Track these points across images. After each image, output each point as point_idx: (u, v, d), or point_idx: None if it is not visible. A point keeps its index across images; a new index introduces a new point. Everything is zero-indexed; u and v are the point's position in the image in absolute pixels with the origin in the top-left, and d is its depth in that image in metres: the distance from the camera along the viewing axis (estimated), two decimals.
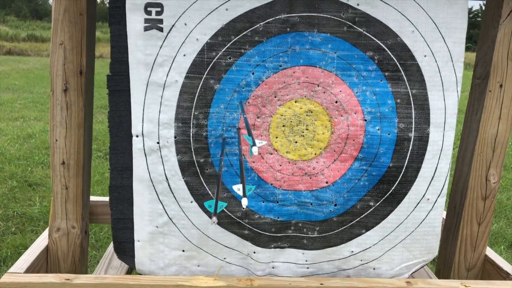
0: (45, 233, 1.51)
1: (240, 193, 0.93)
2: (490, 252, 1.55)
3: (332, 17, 1.24)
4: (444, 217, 1.62)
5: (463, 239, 1.53)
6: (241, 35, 1.24)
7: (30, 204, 3.55)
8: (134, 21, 1.22)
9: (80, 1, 1.32)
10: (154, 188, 1.31)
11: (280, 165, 1.33)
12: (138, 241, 1.36)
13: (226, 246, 1.37)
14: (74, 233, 1.47)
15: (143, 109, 1.27)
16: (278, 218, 1.36)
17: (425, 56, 1.27)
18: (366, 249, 1.39)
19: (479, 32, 1.48)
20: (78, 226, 1.46)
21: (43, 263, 1.46)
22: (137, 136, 1.29)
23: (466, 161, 1.50)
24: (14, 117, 6.54)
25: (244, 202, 0.91)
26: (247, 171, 1.32)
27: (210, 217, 1.32)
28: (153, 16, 1.22)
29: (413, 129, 1.31)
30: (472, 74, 1.50)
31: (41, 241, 1.49)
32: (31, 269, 1.37)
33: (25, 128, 5.87)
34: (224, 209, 1.33)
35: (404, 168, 1.33)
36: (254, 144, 0.97)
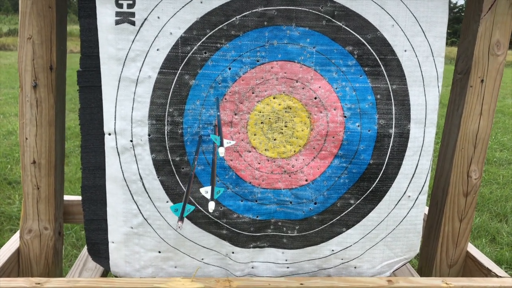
0: (17, 235, 1.46)
1: (208, 196, 0.89)
2: (471, 248, 1.54)
3: (311, 10, 1.21)
4: (426, 214, 1.60)
5: (444, 235, 1.52)
6: (216, 29, 1.20)
7: (9, 202, 3.47)
8: (105, 14, 1.17)
9: None
10: (128, 188, 1.27)
11: (259, 163, 1.29)
12: (113, 242, 1.32)
13: (203, 247, 1.33)
14: (47, 235, 1.42)
15: (115, 106, 1.23)
16: (257, 217, 1.32)
17: (405, 50, 1.24)
18: (346, 248, 1.36)
19: None
20: (51, 227, 1.41)
21: (14, 266, 1.41)
22: (109, 134, 1.24)
23: (448, 157, 1.48)
24: None
25: (211, 206, 0.87)
26: (225, 170, 1.28)
27: (187, 217, 1.28)
28: (125, 9, 1.17)
29: (393, 125, 1.28)
30: (454, 69, 1.48)
31: (12, 244, 1.43)
32: (0, 273, 1.32)
33: (5, 124, 5.74)
34: (202, 209, 1.29)
35: (384, 165, 1.30)
36: (221, 145, 0.93)
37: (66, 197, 1.67)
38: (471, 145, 1.44)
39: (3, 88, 8.54)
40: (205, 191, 0.90)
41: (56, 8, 1.28)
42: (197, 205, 1.29)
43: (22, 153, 1.36)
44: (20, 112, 1.33)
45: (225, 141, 0.99)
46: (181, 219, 0.82)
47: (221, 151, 0.90)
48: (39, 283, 1.21)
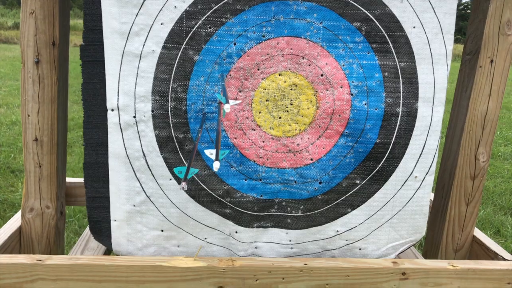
0: (18, 214, 1.45)
1: (213, 157, 0.87)
2: (478, 233, 1.52)
3: None
4: (432, 197, 1.58)
5: (451, 219, 1.50)
6: (221, 3, 1.18)
7: (12, 190, 3.47)
8: None
9: None
10: (131, 165, 1.25)
11: (263, 142, 1.27)
12: (115, 220, 1.30)
13: (207, 226, 1.32)
14: (49, 214, 1.40)
15: (118, 81, 1.21)
16: (261, 196, 1.30)
17: (414, 27, 1.22)
18: (351, 229, 1.34)
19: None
20: (52, 206, 1.40)
21: (15, 245, 1.40)
22: (112, 110, 1.22)
23: (455, 139, 1.46)
24: None
25: (216, 165, 0.85)
26: (229, 148, 1.26)
27: (190, 195, 1.26)
28: None
29: (401, 104, 1.26)
30: (463, 50, 1.45)
31: (14, 222, 1.42)
32: (1, 251, 1.31)
33: (9, 115, 5.74)
34: (205, 187, 1.28)
35: (391, 144, 1.28)
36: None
37: (69, 179, 1.66)
38: (479, 127, 1.42)
39: (7, 80, 8.54)
40: (210, 153, 0.88)
41: None
42: (201, 183, 1.27)
43: (24, 130, 1.34)
44: (22, 89, 1.31)
45: (231, 101, 0.97)
46: (185, 180, 0.80)
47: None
48: (40, 260, 1.19)
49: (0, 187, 3.50)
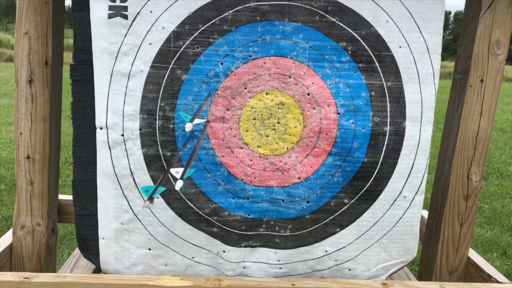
0: (10, 231, 1.46)
1: (178, 176, 0.87)
2: (473, 254, 1.49)
3: (304, 6, 1.20)
4: (426, 217, 1.56)
5: (444, 240, 1.47)
6: (209, 23, 1.20)
7: None
8: (98, 8, 1.18)
9: None
10: (119, 183, 1.26)
11: (251, 160, 1.28)
12: (103, 238, 1.31)
13: (194, 245, 1.31)
14: (40, 231, 1.41)
15: (107, 100, 1.23)
16: (248, 215, 1.30)
17: (400, 47, 1.23)
18: (340, 249, 1.33)
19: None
20: (44, 223, 1.41)
21: (6, 262, 1.40)
22: (101, 128, 1.24)
23: (447, 158, 1.45)
24: (9, 122, 6.50)
25: (179, 184, 0.85)
26: (216, 166, 1.27)
27: (177, 214, 1.26)
28: (118, 3, 1.18)
29: (388, 123, 1.26)
30: (454, 69, 1.45)
31: (5, 239, 1.43)
32: None
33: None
34: (192, 206, 1.28)
35: (379, 163, 1.27)
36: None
37: (63, 196, 1.67)
38: (471, 147, 1.40)
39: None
40: (176, 172, 0.89)
41: (53, 4, 1.29)
42: (188, 201, 1.27)
43: (17, 147, 1.36)
44: (15, 107, 1.34)
45: (195, 120, 0.98)
46: (149, 199, 0.80)
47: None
48: (27, 278, 1.20)
49: (5, 204, 3.53)
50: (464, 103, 1.37)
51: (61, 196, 1.63)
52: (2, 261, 1.38)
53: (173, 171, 0.88)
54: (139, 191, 1.26)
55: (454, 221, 1.46)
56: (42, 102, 1.34)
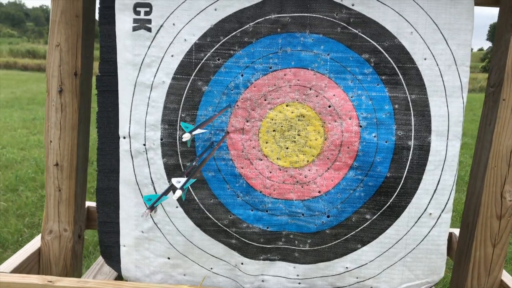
0: (39, 236, 1.51)
1: (179, 185, 0.87)
2: (506, 277, 1.40)
3: (325, 17, 1.19)
4: (458, 237, 1.49)
5: (476, 261, 1.40)
6: (230, 35, 1.21)
7: None
8: (123, 21, 1.22)
9: (77, 3, 1.33)
10: (140, 192, 1.28)
11: (270, 172, 1.26)
12: (124, 246, 1.33)
13: (212, 256, 1.31)
14: (66, 236, 1.45)
15: (131, 110, 1.25)
16: (267, 228, 1.29)
17: (425, 59, 1.19)
18: (362, 266, 1.29)
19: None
20: (70, 229, 1.45)
21: (34, 265, 1.45)
22: (124, 138, 1.27)
23: (479, 176, 1.38)
24: None
25: (178, 193, 0.85)
26: (235, 177, 1.27)
27: (196, 224, 1.27)
28: (142, 16, 1.21)
29: (412, 137, 1.21)
30: (487, 82, 1.39)
31: (34, 243, 1.48)
32: (19, 270, 1.36)
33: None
34: (211, 216, 1.28)
35: (403, 179, 1.23)
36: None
37: (91, 203, 1.72)
38: (504, 164, 1.33)
39: None
40: (177, 181, 0.89)
41: (83, 17, 1.34)
42: (207, 212, 1.27)
43: (47, 155, 1.42)
44: (46, 116, 1.39)
45: (195, 131, 0.97)
46: (150, 207, 0.81)
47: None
48: (51, 281, 1.23)
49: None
50: (497, 118, 1.31)
51: (91, 203, 1.68)
52: (30, 264, 1.43)
53: (174, 180, 0.88)
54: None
55: (486, 241, 1.38)
56: (71, 112, 1.38)
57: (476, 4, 1.23)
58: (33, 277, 1.25)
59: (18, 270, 1.36)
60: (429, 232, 1.26)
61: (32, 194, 3.95)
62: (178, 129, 1.25)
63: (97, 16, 1.31)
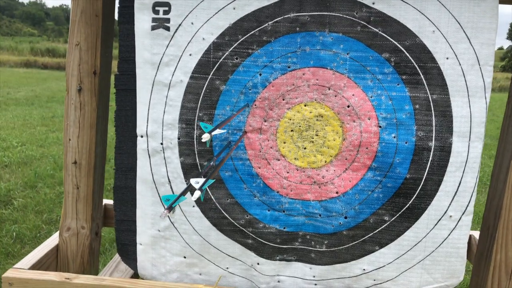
0: (57, 233, 1.52)
1: (197, 186, 0.87)
2: None
3: (345, 16, 1.17)
4: (477, 239, 1.46)
5: (496, 265, 1.37)
6: (248, 34, 1.20)
7: None
8: (142, 20, 1.22)
9: (96, 2, 1.34)
10: (157, 190, 1.29)
11: (288, 172, 1.26)
12: (140, 244, 1.34)
13: (228, 255, 1.31)
14: (84, 234, 1.47)
15: (148, 109, 1.26)
16: (284, 228, 1.28)
17: (447, 58, 1.16)
18: (379, 268, 1.27)
19: None
20: (87, 226, 1.46)
21: (52, 262, 1.47)
22: (141, 137, 1.27)
23: (501, 177, 1.35)
24: None
25: (197, 194, 0.84)
26: (252, 177, 1.26)
27: (212, 223, 1.27)
28: (161, 15, 1.21)
29: (433, 138, 1.19)
30: (510, 81, 1.36)
31: (53, 240, 1.50)
32: (37, 266, 1.37)
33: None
34: (227, 216, 1.28)
35: (423, 180, 1.21)
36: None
37: (108, 201, 1.73)
38: None
39: None
40: (196, 182, 0.88)
41: (103, 17, 1.35)
42: (223, 211, 1.27)
43: (65, 153, 1.43)
44: (65, 115, 1.41)
45: (215, 131, 0.97)
46: (169, 208, 0.80)
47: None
48: (68, 278, 1.24)
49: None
50: None
51: (108, 201, 1.70)
52: (48, 261, 1.44)
53: (193, 181, 0.88)
54: None
55: (507, 244, 1.35)
56: (89, 110, 1.39)
57: (500, 2, 1.20)
58: (51, 274, 1.27)
59: (36, 266, 1.37)
60: (449, 234, 1.24)
61: (51, 190, 4.00)
62: (195, 128, 1.25)
63: (116, 16, 1.31)
